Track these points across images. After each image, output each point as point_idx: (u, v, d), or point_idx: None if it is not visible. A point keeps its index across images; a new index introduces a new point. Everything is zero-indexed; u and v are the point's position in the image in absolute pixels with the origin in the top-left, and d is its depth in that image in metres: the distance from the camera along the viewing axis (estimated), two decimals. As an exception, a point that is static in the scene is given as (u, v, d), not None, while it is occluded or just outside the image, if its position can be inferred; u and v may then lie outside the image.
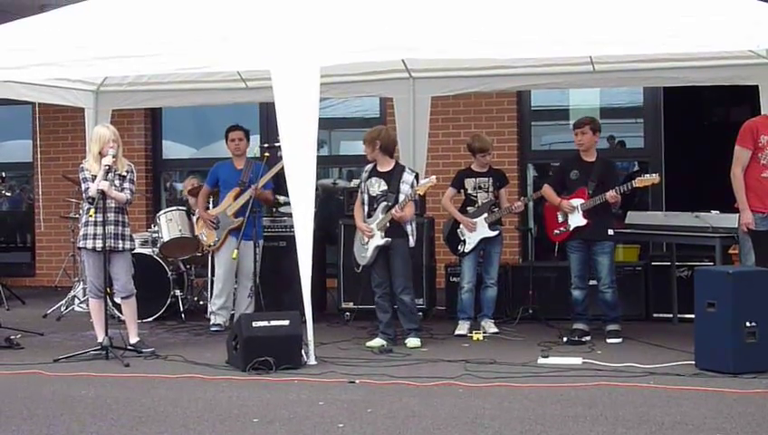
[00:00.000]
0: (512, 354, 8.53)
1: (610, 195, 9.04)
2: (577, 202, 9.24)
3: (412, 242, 9.27)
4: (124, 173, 8.96)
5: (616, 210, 9.54)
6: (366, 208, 9.27)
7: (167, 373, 8.05)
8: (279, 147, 8.99)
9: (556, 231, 9.43)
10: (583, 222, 9.20)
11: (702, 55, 9.48)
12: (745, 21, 7.73)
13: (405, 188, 9.12)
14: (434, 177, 9.25)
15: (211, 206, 10.70)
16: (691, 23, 7.79)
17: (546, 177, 13.42)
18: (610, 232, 9.28)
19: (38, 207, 13.52)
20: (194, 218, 10.91)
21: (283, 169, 9.81)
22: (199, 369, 8.21)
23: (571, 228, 9.29)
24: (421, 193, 9.26)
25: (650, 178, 9.18)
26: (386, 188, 9.15)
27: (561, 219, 9.37)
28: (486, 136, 10.17)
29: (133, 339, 9.02)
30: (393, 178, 9.17)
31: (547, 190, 9.54)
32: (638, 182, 9.15)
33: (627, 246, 11.03)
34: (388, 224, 9.05)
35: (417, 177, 9.36)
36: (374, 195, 9.19)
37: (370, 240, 9.12)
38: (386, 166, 9.25)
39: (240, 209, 10.24)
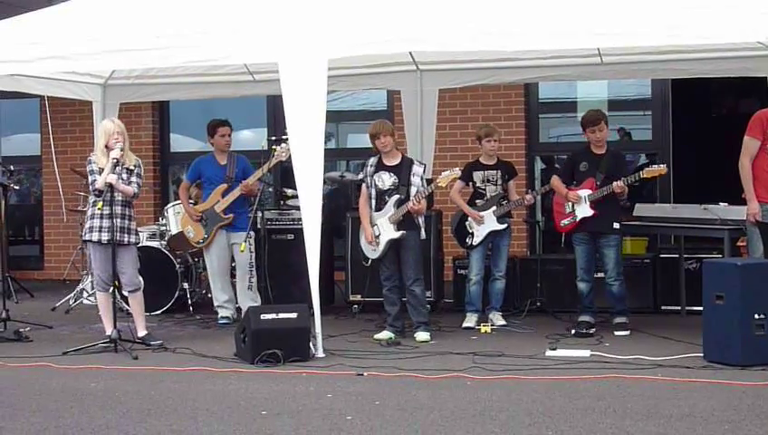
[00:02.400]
0: (520, 347, 8.53)
1: (617, 185, 9.01)
2: (584, 193, 9.23)
3: (424, 234, 9.27)
4: (132, 167, 8.98)
5: (624, 202, 9.51)
6: (373, 202, 9.25)
7: (175, 366, 8.07)
8: (286, 140, 9.01)
9: (563, 222, 9.42)
10: (590, 212, 9.19)
11: (710, 47, 9.46)
12: (753, 12, 7.70)
13: (416, 180, 9.11)
14: (457, 169, 9.25)
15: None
16: (699, 14, 7.75)
17: (554, 169, 13.46)
18: (616, 226, 9.26)
19: (58, 200, 13.57)
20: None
21: (279, 163, 9.88)
22: (207, 361, 8.23)
23: (578, 219, 9.28)
24: (443, 185, 9.22)
25: (658, 169, 9.16)
26: (396, 180, 9.13)
27: (568, 210, 9.36)
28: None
29: (141, 332, 9.04)
30: (403, 170, 9.16)
31: (555, 181, 9.54)
32: (645, 173, 9.13)
33: (635, 238, 11.00)
34: (401, 217, 9.04)
35: (425, 168, 9.37)
36: (384, 189, 9.16)
37: (383, 233, 9.09)
38: (394, 159, 9.23)
39: (230, 206, 10.25)
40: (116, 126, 8.96)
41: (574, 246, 9.41)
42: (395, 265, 9.17)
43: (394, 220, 9.06)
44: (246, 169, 10.38)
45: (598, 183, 9.20)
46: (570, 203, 9.31)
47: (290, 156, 9.02)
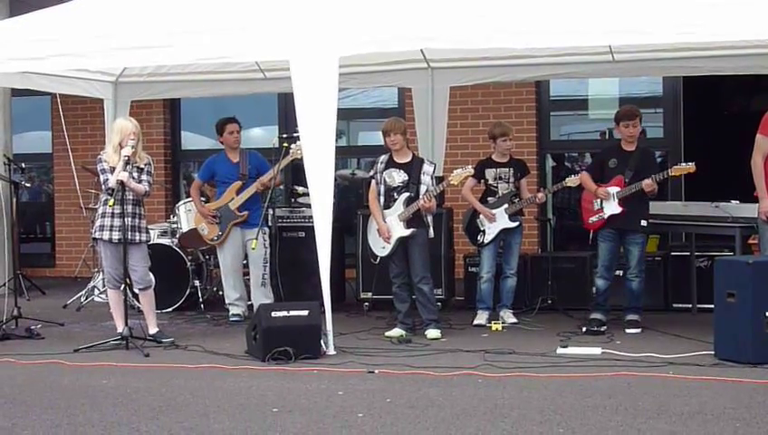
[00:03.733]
0: (531, 344, 8.53)
1: (646, 183, 9.00)
2: (613, 190, 9.21)
3: (432, 233, 9.28)
4: (143, 166, 9.00)
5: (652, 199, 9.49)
6: (382, 199, 9.26)
7: (186, 363, 8.08)
8: (297, 137, 9.02)
9: (592, 218, 9.38)
10: (618, 210, 9.17)
11: (722, 44, 9.44)
12: (765, 9, 7.68)
13: (426, 179, 9.12)
14: (470, 167, 9.27)
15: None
16: (711, 12, 7.74)
17: (564, 167, 13.47)
18: (644, 223, 9.25)
19: (69, 197, 13.63)
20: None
21: (293, 161, 9.88)
22: (219, 359, 8.24)
23: (606, 216, 9.25)
24: (455, 183, 9.24)
25: (686, 167, 9.15)
26: (407, 178, 9.14)
27: (597, 207, 9.34)
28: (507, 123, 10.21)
29: (152, 330, 9.05)
30: (413, 169, 9.16)
31: (584, 177, 9.49)
32: (674, 171, 9.13)
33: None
34: (411, 215, 9.05)
35: (435, 168, 9.37)
36: (394, 186, 9.17)
37: (393, 231, 9.09)
38: (404, 157, 9.24)
39: (245, 203, 10.27)
40: (133, 126, 8.97)
41: (599, 242, 9.38)
42: (404, 262, 9.18)
43: (404, 218, 9.07)
44: (260, 165, 10.39)
45: (626, 180, 9.17)
46: (598, 200, 9.29)
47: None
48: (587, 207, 9.48)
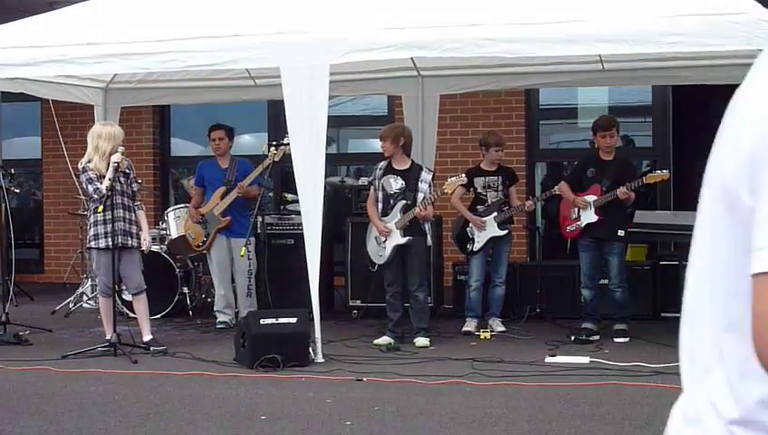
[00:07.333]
0: (519, 353, 8.53)
1: (621, 191, 9.03)
2: (590, 199, 9.25)
3: (430, 241, 9.29)
4: (126, 170, 8.97)
5: (629, 208, 9.51)
6: (380, 206, 9.26)
7: (174, 370, 8.07)
8: (287, 144, 9.02)
9: (569, 227, 9.43)
10: (595, 218, 9.21)
11: (710, 54, 9.46)
12: (754, 19, 7.71)
13: (423, 186, 9.12)
14: (463, 175, 9.28)
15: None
16: (699, 21, 7.78)
17: (555, 175, 13.47)
18: (621, 233, 9.28)
19: (59, 203, 13.57)
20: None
21: (269, 166, 9.88)
22: (207, 366, 8.23)
23: (582, 225, 9.29)
24: (449, 192, 9.25)
25: (660, 175, 9.21)
26: (404, 185, 9.14)
27: (574, 216, 9.38)
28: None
29: (146, 337, 8.99)
30: (411, 176, 9.16)
31: (563, 187, 9.55)
32: (648, 179, 9.18)
33: (635, 245, 11.01)
34: (408, 223, 9.05)
35: (433, 175, 9.38)
36: (391, 192, 9.18)
37: (389, 239, 9.10)
38: (403, 164, 9.24)
39: (228, 208, 10.27)
40: (121, 131, 8.99)
41: (580, 252, 9.43)
42: (399, 271, 9.17)
43: (400, 226, 9.07)
44: (247, 173, 10.40)
45: (603, 189, 9.21)
46: (576, 209, 9.32)
47: (282, 155, 9.12)
48: (565, 216, 9.53)
